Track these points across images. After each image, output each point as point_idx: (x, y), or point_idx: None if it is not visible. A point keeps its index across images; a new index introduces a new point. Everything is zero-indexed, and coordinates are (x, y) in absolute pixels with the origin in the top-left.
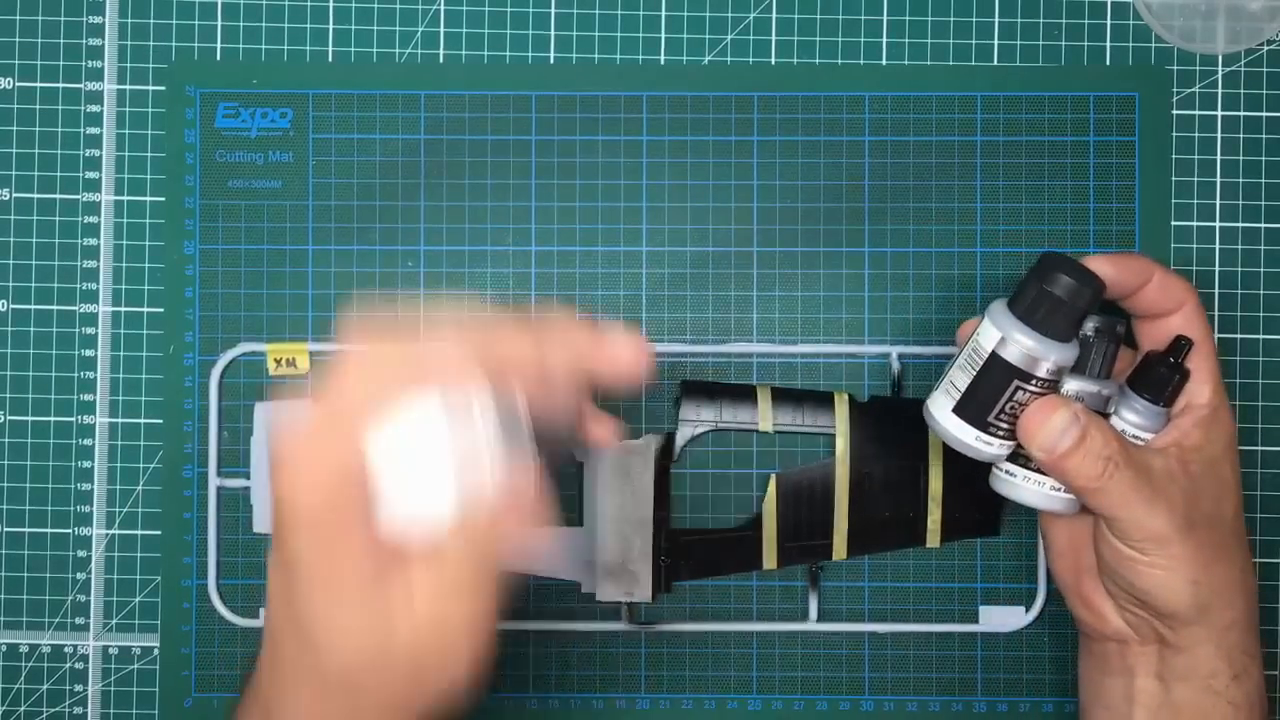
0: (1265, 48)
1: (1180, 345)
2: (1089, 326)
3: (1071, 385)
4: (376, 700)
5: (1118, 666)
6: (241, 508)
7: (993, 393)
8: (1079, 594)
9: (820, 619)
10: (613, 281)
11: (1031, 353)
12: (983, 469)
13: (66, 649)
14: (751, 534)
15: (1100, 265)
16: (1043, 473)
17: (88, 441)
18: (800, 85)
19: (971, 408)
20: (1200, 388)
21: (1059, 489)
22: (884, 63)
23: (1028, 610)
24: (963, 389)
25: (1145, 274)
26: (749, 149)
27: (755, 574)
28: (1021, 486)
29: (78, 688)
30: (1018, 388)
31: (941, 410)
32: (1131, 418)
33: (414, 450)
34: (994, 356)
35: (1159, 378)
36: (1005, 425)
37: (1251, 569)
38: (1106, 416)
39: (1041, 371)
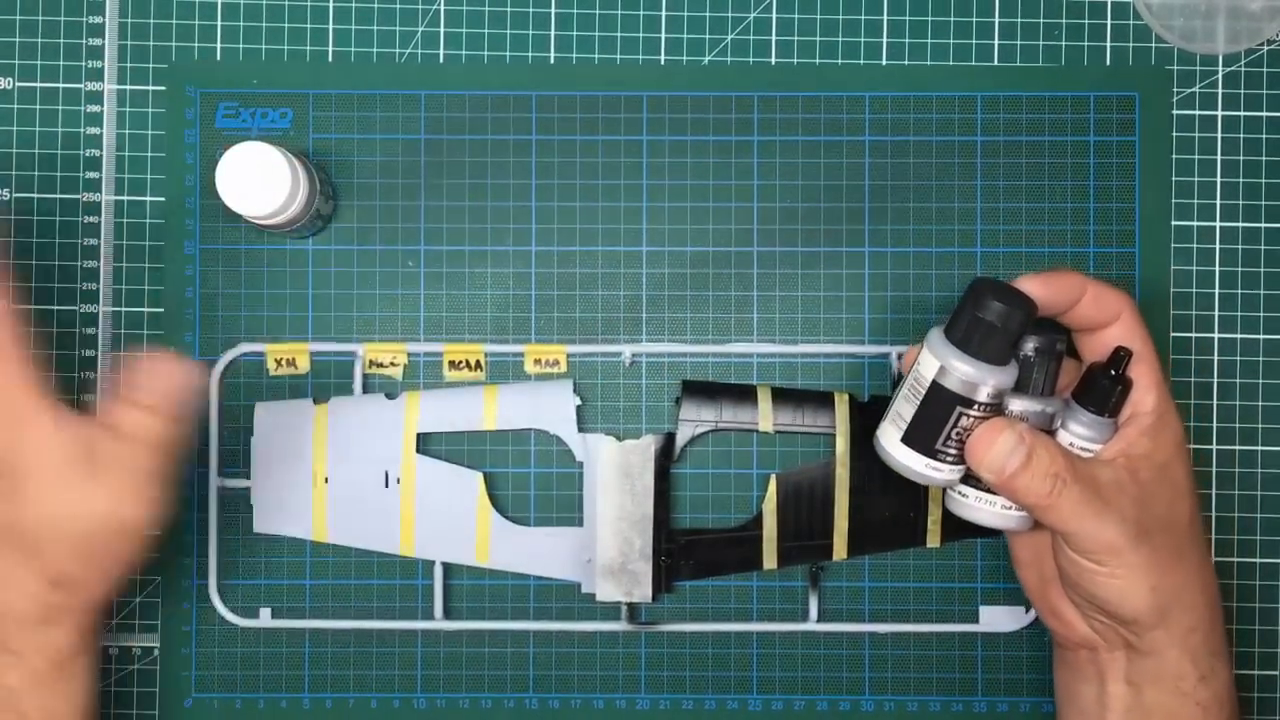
0: (1265, 48)
1: (1119, 356)
2: (1028, 346)
3: (1016, 405)
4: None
5: (1089, 672)
6: (241, 508)
7: (937, 420)
8: (1046, 604)
9: (820, 619)
10: (613, 281)
11: (970, 379)
12: None
13: None
14: (751, 534)
15: (1031, 285)
16: (994, 493)
17: None
18: (800, 85)
19: (919, 436)
20: (1144, 395)
21: (1011, 507)
22: (884, 63)
23: (1028, 610)
24: (909, 418)
25: (1077, 290)
26: (749, 149)
27: (755, 574)
28: (975, 507)
29: None
30: (961, 414)
31: (890, 440)
32: (1079, 430)
33: None
34: (935, 385)
35: (1101, 390)
36: (953, 451)
37: (1211, 570)
38: (1053, 432)
39: (983, 396)
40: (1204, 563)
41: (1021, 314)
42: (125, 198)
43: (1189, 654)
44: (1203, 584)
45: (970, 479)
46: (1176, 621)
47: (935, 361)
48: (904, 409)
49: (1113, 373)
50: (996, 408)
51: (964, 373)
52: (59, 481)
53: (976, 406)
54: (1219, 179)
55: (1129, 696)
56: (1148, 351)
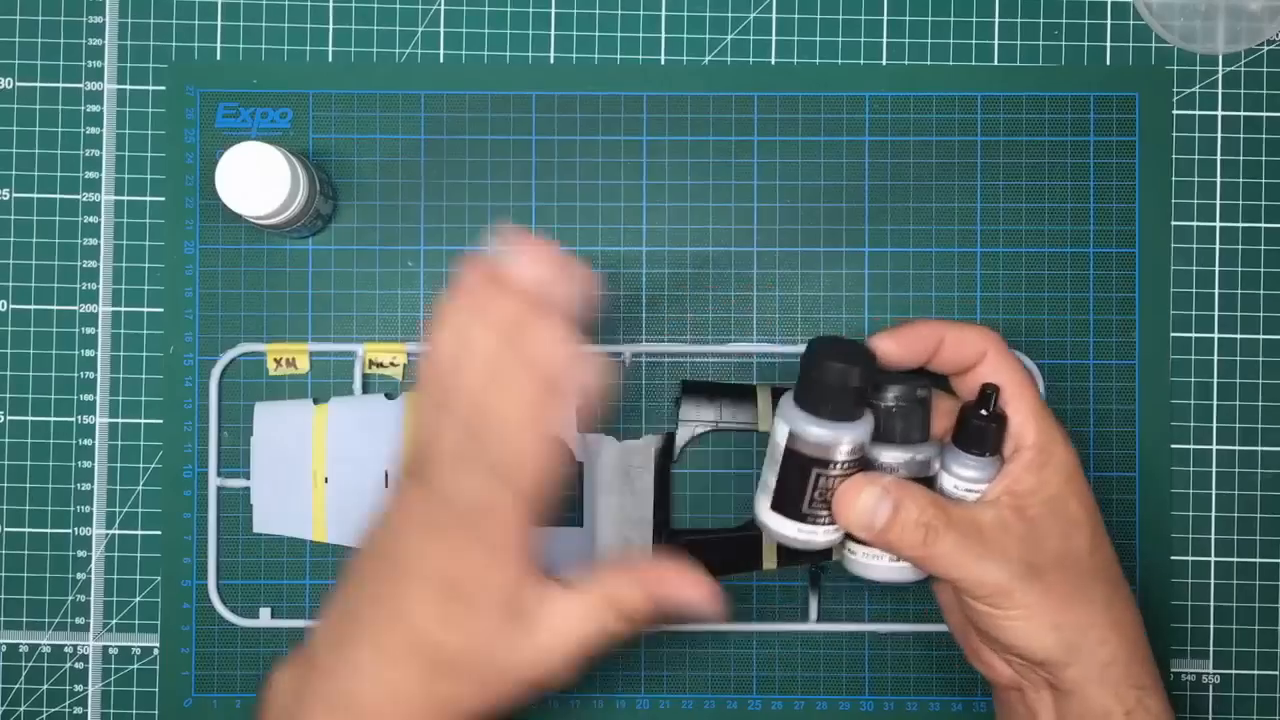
0: (1265, 48)
1: (986, 395)
2: (889, 397)
3: (887, 456)
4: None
5: (1022, 713)
6: (241, 508)
7: (798, 484)
8: (969, 648)
9: (820, 619)
10: (613, 281)
11: (822, 440)
12: None
13: (66, 649)
14: (751, 534)
15: (881, 342)
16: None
17: (88, 441)
18: (800, 85)
19: (785, 502)
20: (1023, 429)
21: (898, 560)
22: (884, 63)
23: None
24: (773, 485)
25: (932, 339)
26: (749, 149)
27: (755, 574)
28: (865, 564)
29: (78, 688)
30: (819, 475)
31: (762, 509)
32: (963, 472)
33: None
34: (789, 450)
35: (974, 430)
36: (824, 512)
37: (1125, 600)
38: (931, 479)
39: (840, 455)
40: (1114, 594)
41: (859, 369)
42: (125, 198)
43: (1110, 690)
44: (1113, 617)
45: (854, 537)
46: (1089, 658)
47: (785, 426)
48: (769, 476)
49: (983, 411)
50: (859, 462)
51: (815, 435)
52: (526, 633)
53: (834, 465)
54: (1219, 179)
55: None
56: (1021, 384)
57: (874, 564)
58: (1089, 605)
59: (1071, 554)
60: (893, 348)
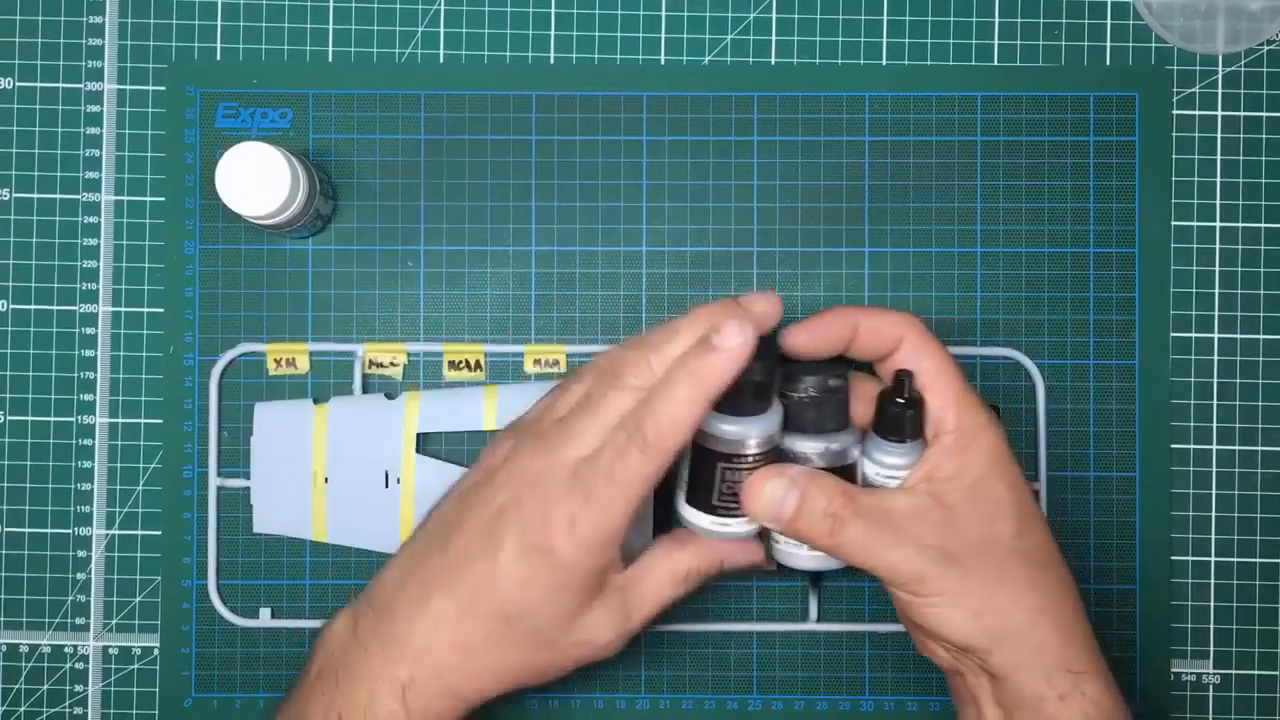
0: (1265, 48)
1: (900, 381)
2: (800, 387)
3: (802, 446)
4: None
5: (967, 697)
6: (241, 508)
7: (707, 478)
8: (913, 636)
9: (820, 619)
10: (613, 281)
11: (728, 435)
12: None
13: (66, 649)
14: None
15: (792, 335)
16: None
17: (88, 441)
18: (800, 85)
19: (697, 495)
20: (944, 414)
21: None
22: (884, 63)
23: None
24: (686, 479)
25: (845, 327)
26: (749, 149)
27: (755, 574)
28: (787, 553)
29: (78, 688)
30: (724, 469)
31: (680, 502)
32: (884, 459)
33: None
34: (695, 445)
35: (891, 417)
36: (734, 504)
37: (1056, 582)
38: (851, 467)
39: (749, 449)
40: (1043, 576)
41: (762, 364)
42: (125, 198)
43: (1042, 674)
44: (1040, 601)
45: None
46: (1017, 643)
47: None
48: (683, 470)
49: (898, 398)
50: (770, 454)
51: (720, 430)
52: (588, 603)
53: (742, 459)
54: (1219, 179)
55: (1003, 718)
56: (943, 368)
57: (795, 553)
58: (1013, 590)
59: (994, 539)
60: (804, 339)
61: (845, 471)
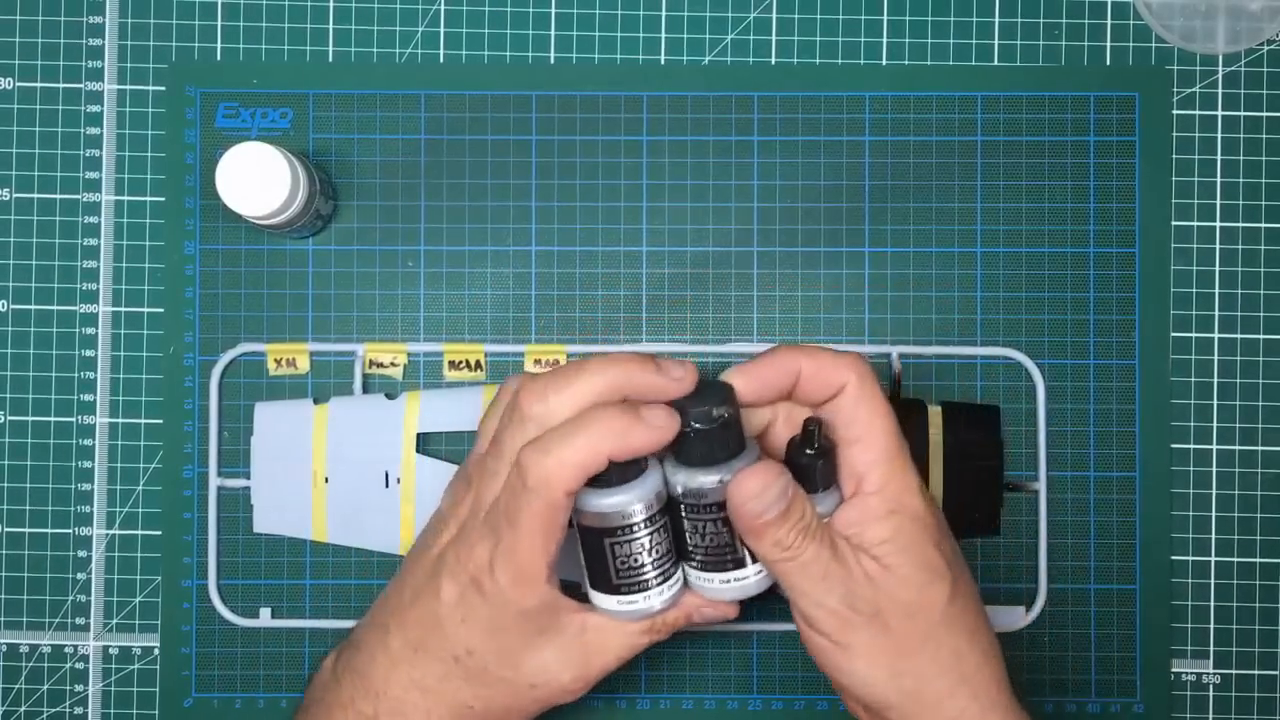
0: (1265, 48)
1: (809, 431)
2: (687, 421)
3: (699, 479)
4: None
5: None
6: (241, 508)
7: (599, 558)
8: (836, 690)
9: None
10: (613, 281)
11: (609, 508)
12: (984, 468)
13: (67, 649)
14: None
15: (731, 379)
16: (716, 569)
17: (88, 441)
18: (800, 85)
19: (597, 578)
20: (868, 472)
21: (741, 579)
22: (884, 63)
23: (1028, 610)
24: (584, 563)
25: (787, 372)
26: (749, 149)
27: None
28: (704, 587)
29: (78, 688)
30: (613, 545)
31: (585, 588)
32: None
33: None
34: (580, 526)
35: (800, 468)
36: (637, 578)
37: (982, 651)
38: (720, 506)
39: (636, 516)
40: (969, 645)
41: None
42: (125, 198)
43: None
44: (964, 671)
45: (695, 561)
46: (933, 711)
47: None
48: (580, 555)
49: (806, 450)
50: (655, 516)
51: (597, 506)
52: (537, 637)
53: (627, 530)
54: (1219, 179)
55: None
56: (874, 424)
57: (708, 586)
58: (935, 656)
59: (927, 605)
60: (742, 384)
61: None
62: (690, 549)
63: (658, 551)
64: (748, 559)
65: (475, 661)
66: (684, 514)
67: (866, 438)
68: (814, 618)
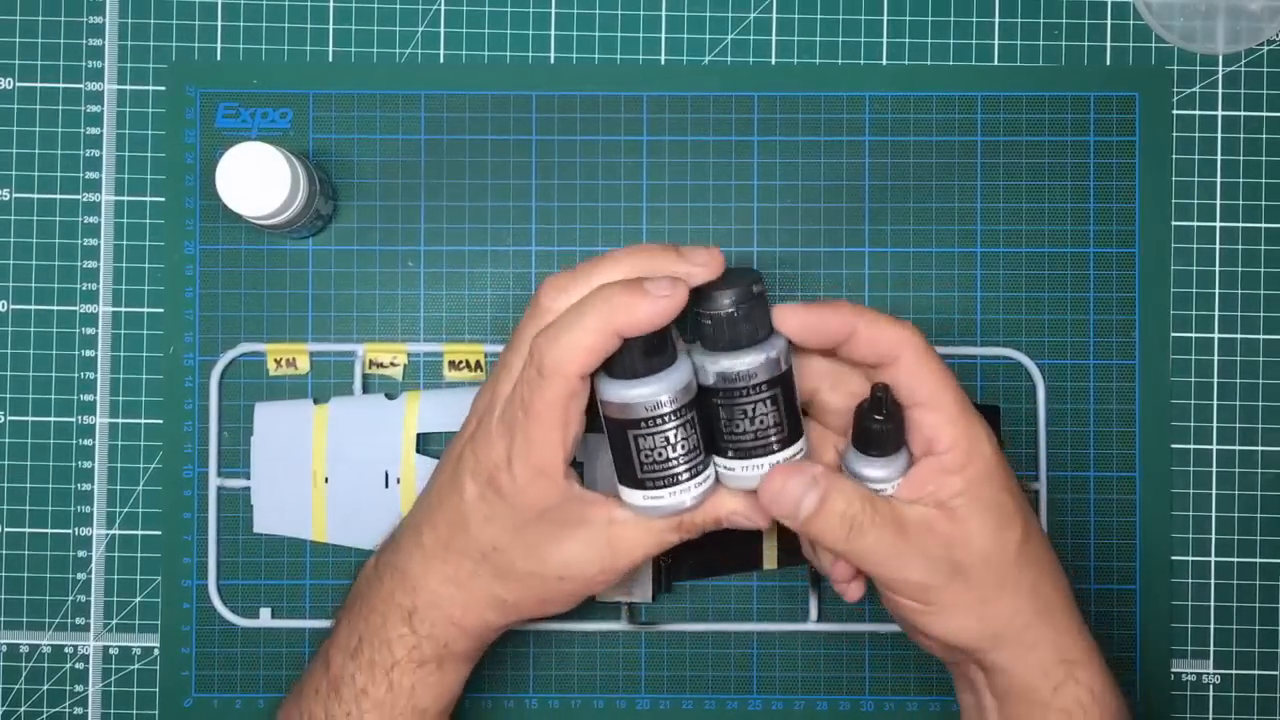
0: (1265, 48)
1: (878, 397)
2: (725, 303)
3: (742, 362)
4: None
5: (964, 685)
6: (241, 508)
7: (624, 451)
8: (909, 634)
9: (820, 619)
10: None
11: (633, 399)
12: None
13: (67, 649)
14: (752, 534)
15: (787, 315)
16: (749, 455)
17: (88, 441)
18: (800, 85)
19: (623, 472)
20: (938, 432)
21: (760, 467)
22: (884, 63)
23: None
24: (612, 461)
25: (844, 327)
26: (749, 149)
27: (755, 574)
28: (741, 477)
29: (78, 688)
30: (637, 437)
31: (617, 485)
32: (868, 472)
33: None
34: (605, 418)
35: (872, 434)
36: (664, 472)
37: (1053, 583)
38: (788, 374)
39: (664, 408)
40: (1042, 579)
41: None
42: (125, 198)
43: (1036, 668)
44: (1040, 605)
45: (729, 453)
46: (1014, 643)
47: (598, 396)
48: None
49: (876, 415)
50: (682, 410)
51: (621, 396)
52: (560, 531)
53: (653, 423)
54: (1219, 179)
55: (998, 707)
56: (938, 388)
57: (743, 475)
58: (1015, 596)
59: (1002, 548)
60: (797, 324)
61: (785, 379)
62: (725, 439)
63: (686, 445)
64: (784, 446)
65: (502, 558)
66: (719, 401)
67: (932, 399)
68: (897, 589)
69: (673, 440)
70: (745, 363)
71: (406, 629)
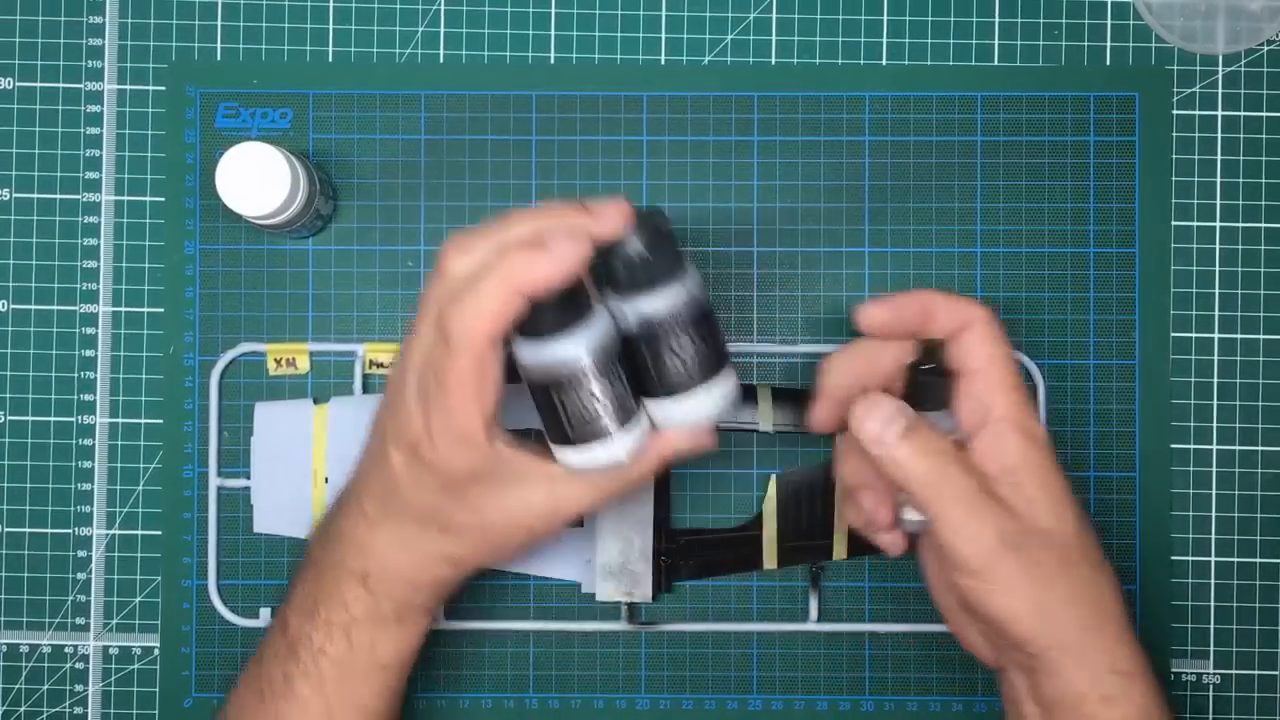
0: (1265, 48)
1: (930, 349)
2: (631, 246)
3: (656, 302)
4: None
5: (1009, 694)
6: (241, 508)
7: (550, 411)
8: (955, 626)
9: (820, 619)
10: None
11: (549, 358)
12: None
13: (67, 649)
14: (751, 534)
15: (872, 311)
16: (682, 391)
17: (88, 441)
18: (800, 85)
19: (552, 431)
20: (992, 398)
21: (709, 393)
22: (884, 63)
23: None
24: (542, 423)
25: (922, 309)
26: (749, 149)
27: (755, 574)
28: (680, 414)
29: (78, 688)
30: (559, 397)
31: (551, 446)
32: None
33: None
34: (529, 382)
35: (921, 384)
36: (590, 427)
37: (1109, 583)
38: (710, 315)
39: (579, 368)
40: (1098, 576)
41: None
42: (125, 198)
43: (1087, 674)
44: (1095, 599)
45: (661, 393)
46: (1072, 638)
47: (521, 360)
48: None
49: (923, 366)
50: (602, 363)
51: (538, 357)
52: (498, 488)
53: (573, 381)
54: (1219, 179)
55: (1040, 715)
56: (999, 353)
57: (675, 414)
58: (1073, 585)
59: (1061, 531)
60: (882, 316)
61: (705, 310)
62: (655, 380)
63: (610, 396)
64: (712, 375)
65: (443, 517)
66: (643, 344)
67: (991, 367)
68: (966, 556)
69: (598, 394)
70: (663, 300)
71: (362, 590)
